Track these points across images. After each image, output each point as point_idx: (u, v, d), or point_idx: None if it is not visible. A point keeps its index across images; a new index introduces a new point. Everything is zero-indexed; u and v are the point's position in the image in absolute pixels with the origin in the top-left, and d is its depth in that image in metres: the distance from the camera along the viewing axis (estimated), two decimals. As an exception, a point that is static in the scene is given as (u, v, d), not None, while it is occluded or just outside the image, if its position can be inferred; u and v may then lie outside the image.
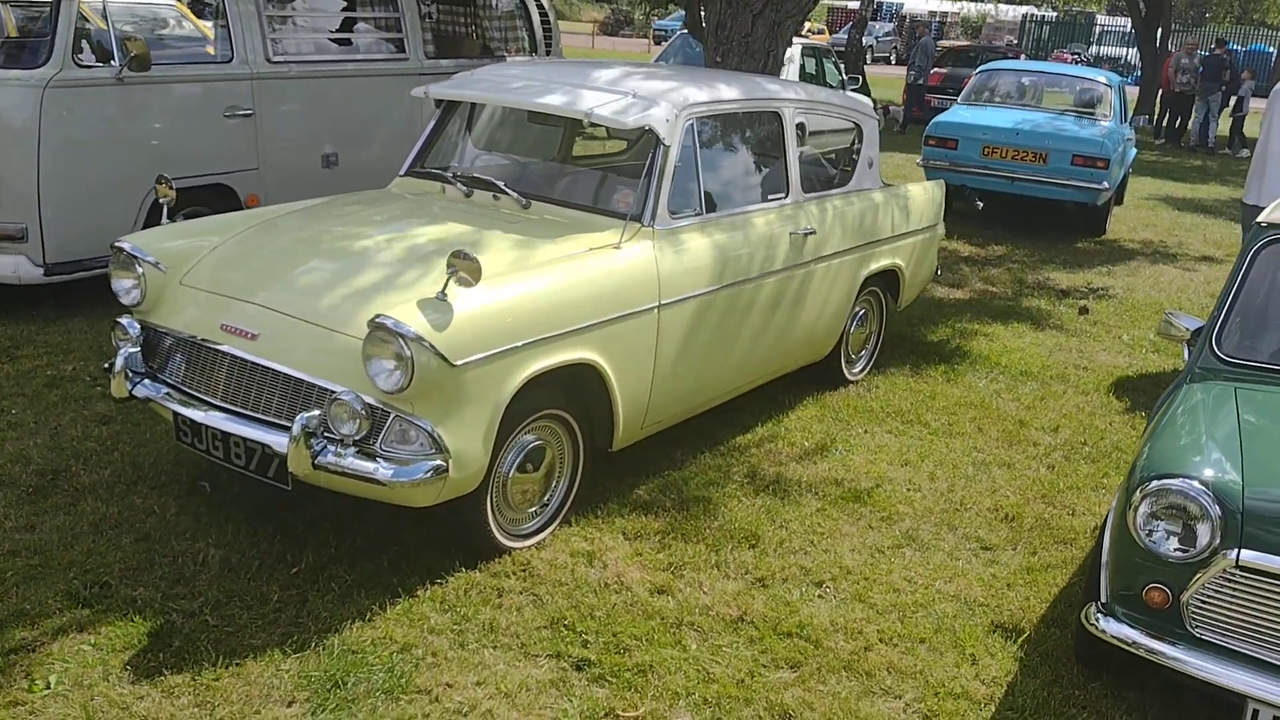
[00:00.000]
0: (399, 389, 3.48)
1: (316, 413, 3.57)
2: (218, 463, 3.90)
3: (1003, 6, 47.43)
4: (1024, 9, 44.72)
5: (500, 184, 4.71)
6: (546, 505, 4.22)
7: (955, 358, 6.80)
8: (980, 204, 11.07)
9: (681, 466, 4.91)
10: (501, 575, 3.90)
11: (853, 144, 6.07)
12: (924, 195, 6.43)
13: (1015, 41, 41.24)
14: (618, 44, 41.35)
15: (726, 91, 4.99)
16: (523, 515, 4.12)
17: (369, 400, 3.55)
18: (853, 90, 14.97)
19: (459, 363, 3.53)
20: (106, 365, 4.14)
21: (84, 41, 6.11)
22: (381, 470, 3.54)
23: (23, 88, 5.89)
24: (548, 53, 9.18)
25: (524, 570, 3.95)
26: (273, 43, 7.01)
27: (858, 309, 6.05)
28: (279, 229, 4.45)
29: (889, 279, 6.24)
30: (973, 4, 48.64)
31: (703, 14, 9.48)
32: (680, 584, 3.96)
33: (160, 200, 4.49)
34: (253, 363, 3.77)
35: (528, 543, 4.11)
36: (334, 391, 3.57)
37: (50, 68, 5.92)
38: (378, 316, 3.47)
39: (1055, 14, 43.16)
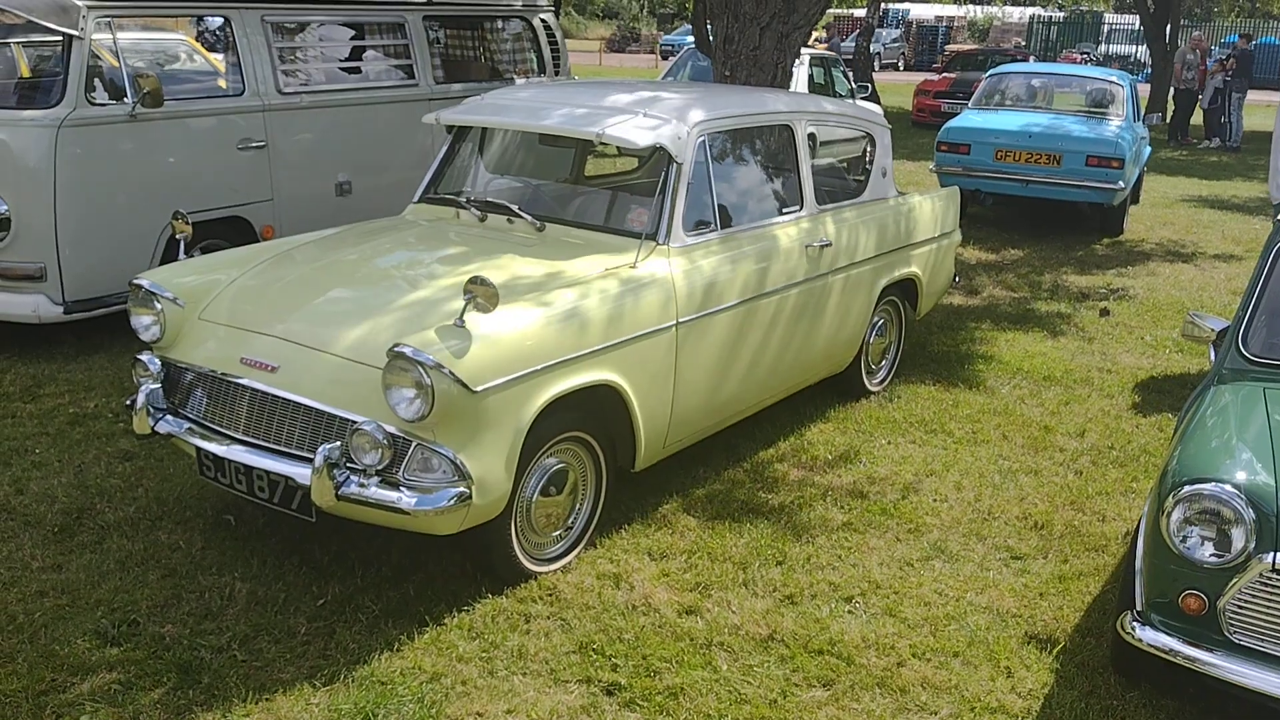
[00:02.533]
0: (420, 417, 3.47)
1: (338, 444, 3.57)
2: (242, 496, 3.90)
3: (1009, 9, 47.39)
4: (1031, 10, 44.66)
5: (514, 207, 4.71)
6: (570, 528, 4.20)
7: (977, 365, 6.75)
8: (990, 202, 11.03)
9: (705, 484, 4.88)
10: (528, 600, 3.88)
11: (865, 154, 6.05)
12: (939, 202, 6.40)
13: (1023, 43, 41.16)
14: (625, 60, 41.47)
15: (737, 107, 4.98)
16: (547, 539, 4.10)
17: (390, 429, 3.54)
18: (862, 99, 14.94)
19: (479, 389, 3.52)
20: (129, 402, 4.15)
21: (96, 80, 6.15)
22: (405, 499, 3.53)
23: (37, 128, 5.93)
24: (557, 73, 9.20)
25: (550, 595, 3.93)
26: (283, 74, 7.06)
27: (876, 319, 6.02)
28: (295, 260, 4.46)
29: (907, 288, 6.21)
30: (979, 7, 48.63)
31: (710, 29, 9.50)
32: (708, 604, 3.93)
33: (177, 236, 4.51)
34: (273, 395, 3.77)
35: (553, 567, 4.09)
36: (355, 422, 3.57)
37: (64, 107, 5.96)
38: (397, 345, 3.46)
39: (1063, 14, 43.08)
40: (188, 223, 4.49)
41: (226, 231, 6.82)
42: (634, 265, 4.30)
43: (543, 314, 3.83)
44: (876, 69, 37.28)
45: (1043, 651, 3.75)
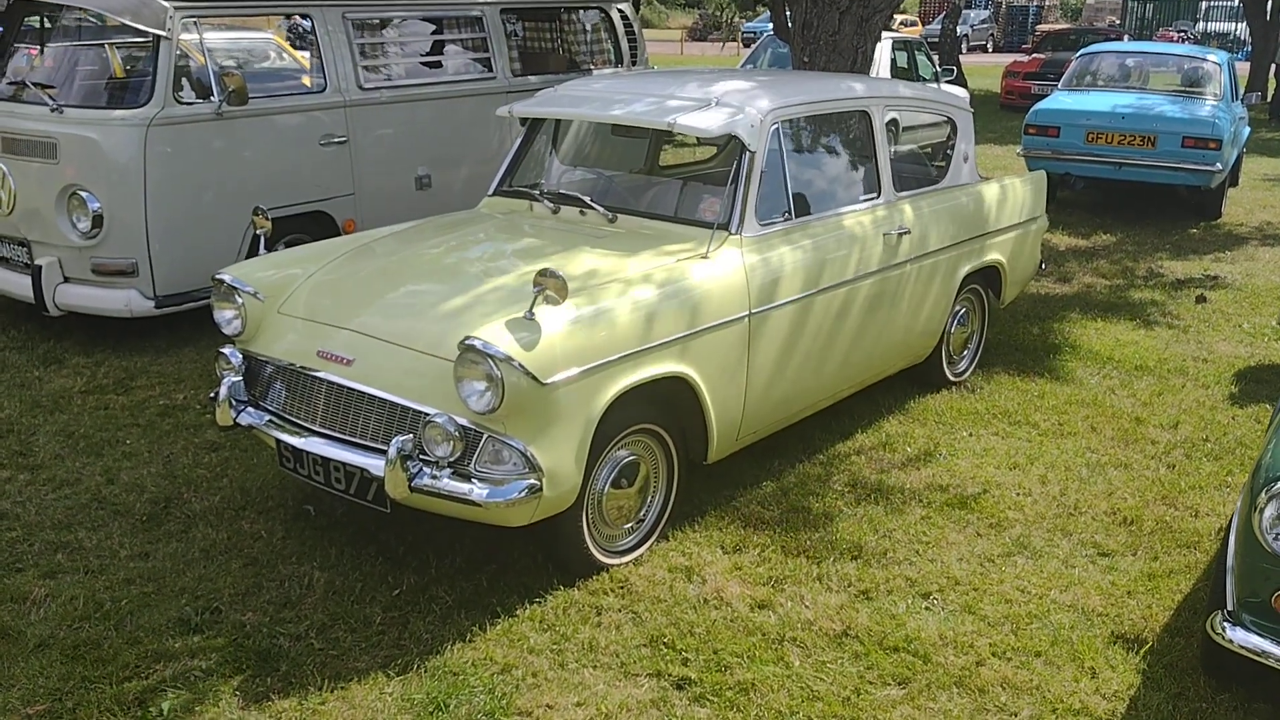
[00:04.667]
0: (490, 410, 3.48)
1: (411, 436, 3.60)
2: (320, 488, 3.96)
3: (1102, -14, 46.02)
4: (1126, -13, 43.33)
5: (586, 199, 4.70)
6: (643, 521, 4.18)
7: (1064, 354, 6.56)
8: (1080, 185, 10.70)
9: (780, 476, 4.82)
10: (600, 593, 3.88)
11: (947, 139, 5.91)
12: (1024, 187, 6.22)
13: (1118, 22, 39.94)
14: (706, 49, 41.28)
15: (812, 93, 4.90)
16: (619, 531, 4.08)
17: (462, 422, 3.56)
18: (947, 82, 14.64)
19: (548, 381, 3.52)
20: (212, 395, 4.24)
21: (184, 79, 6.30)
22: (476, 491, 3.55)
23: (127, 127, 6.10)
24: (634, 64, 9.17)
25: (622, 588, 3.92)
26: (364, 70, 7.15)
27: (958, 308, 5.89)
28: (371, 254, 4.51)
29: (990, 276, 6.06)
30: (1071, -14, 47.30)
31: (788, 15, 9.37)
32: (781, 598, 3.88)
33: (256, 231, 4.59)
34: (349, 388, 3.82)
35: (625, 559, 4.08)
36: (428, 414, 3.60)
37: (152, 106, 6.12)
38: (467, 338, 3.48)
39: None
40: (267, 218, 4.57)
41: (309, 226, 6.93)
42: (705, 256, 4.26)
43: (613, 306, 3.81)
44: (964, 51, 36.55)
45: (1129, 652, 3.63)
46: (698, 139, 4.94)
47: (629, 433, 3.97)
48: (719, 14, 53.51)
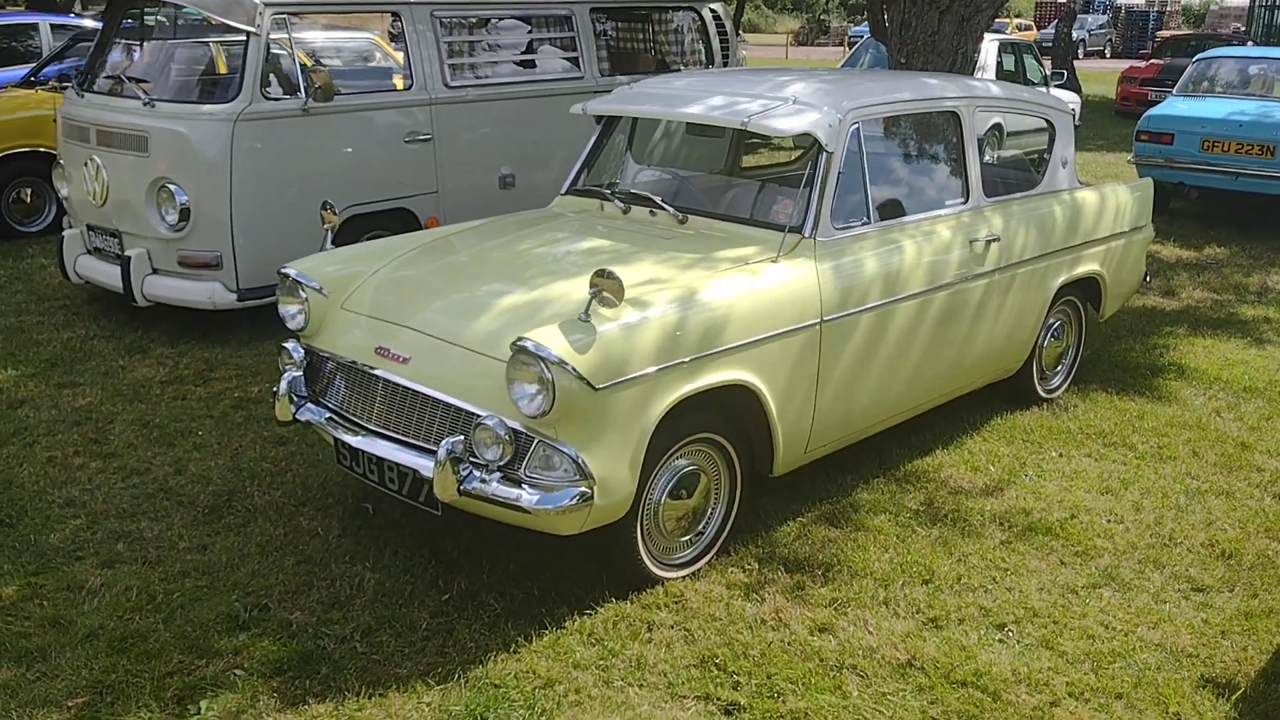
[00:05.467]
0: (541, 413, 3.37)
1: (461, 438, 3.51)
2: (375, 487, 3.91)
3: (1229, -9, 44.23)
4: (1254, -8, 41.47)
5: (657, 199, 4.56)
6: (702, 533, 4.02)
7: (1167, 373, 6.19)
8: (1194, 195, 10.20)
9: (851, 493, 4.62)
10: (653, 607, 3.73)
11: (1046, 143, 5.62)
12: (1128, 195, 5.89)
13: (1242, 28, 38.26)
14: (811, 53, 40.88)
15: (895, 92, 4.69)
16: (676, 543, 3.93)
17: (513, 425, 3.46)
18: (1057, 87, 14.13)
19: (601, 386, 3.39)
20: (275, 390, 4.22)
21: (272, 75, 6.35)
22: (526, 497, 3.44)
23: (214, 122, 6.17)
24: (725, 64, 9.01)
25: (676, 602, 3.77)
26: (450, 68, 7.13)
27: (1052, 320, 5.59)
28: (436, 251, 4.45)
29: (1088, 287, 5.74)
30: (1195, -10, 45.61)
31: (885, 15, 9.11)
32: (843, 622, 3.68)
33: (324, 226, 4.57)
34: (404, 386, 3.75)
35: (682, 572, 3.93)
36: (479, 416, 3.50)
37: (240, 102, 6.18)
38: (519, 340, 3.37)
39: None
40: (335, 213, 4.55)
41: (392, 223, 6.93)
42: (775, 259, 4.08)
43: (672, 310, 3.66)
44: (1080, 56, 35.43)
45: (1219, 697, 3.34)
46: (775, 139, 4.73)
47: (689, 441, 3.82)
48: (825, 17, 52.95)
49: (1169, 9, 45.87)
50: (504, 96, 7.50)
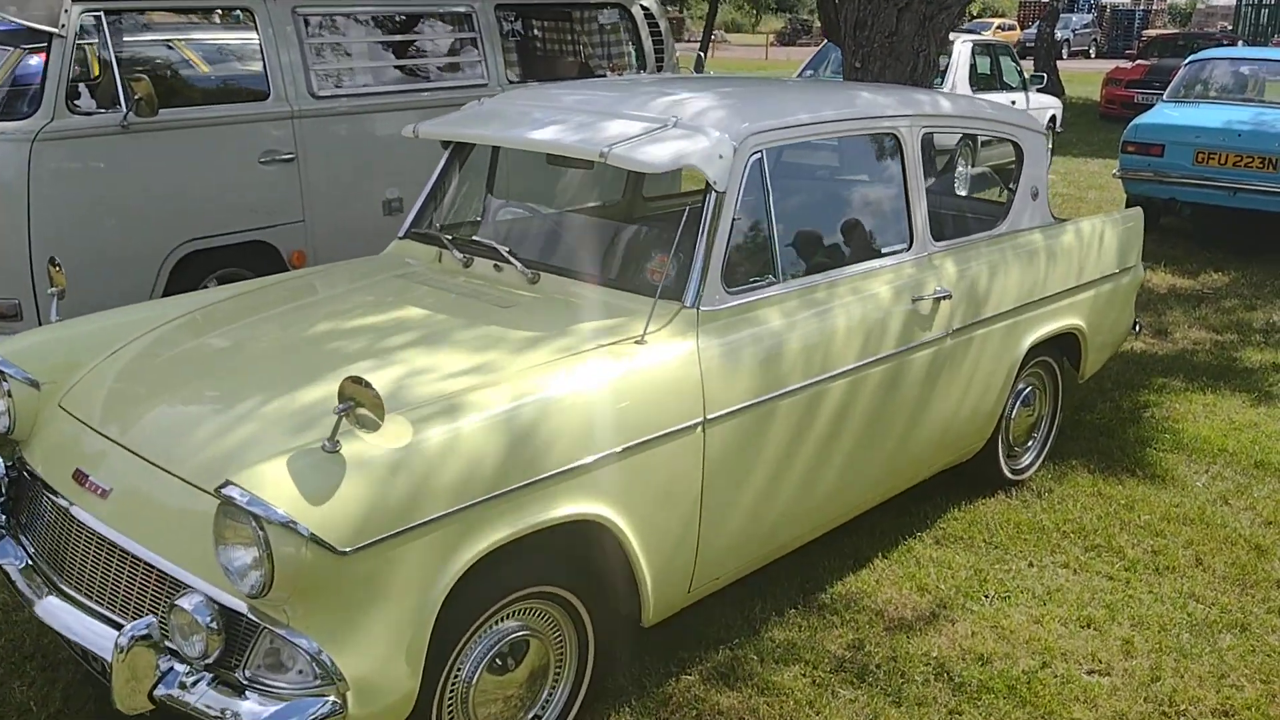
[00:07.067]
0: (259, 591, 2.30)
1: (153, 619, 2.43)
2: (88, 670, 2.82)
3: (1215, -11, 43.49)
4: (1240, -9, 40.68)
5: (503, 249, 3.49)
6: (542, 715, 2.95)
7: (1161, 442, 5.15)
8: (1187, 213, 9.22)
9: (760, 630, 3.55)
10: (453, 841, 2.66)
11: (1010, 168, 4.57)
12: (1113, 230, 4.84)
13: (1230, 27, 37.42)
14: (792, 53, 39.75)
15: (814, 109, 3.62)
16: (499, 735, 2.86)
17: (227, 602, 2.39)
18: (1037, 90, 13.13)
19: (352, 549, 2.32)
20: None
21: (81, 85, 5.25)
22: (247, 712, 2.36)
23: (7, 142, 5.07)
24: (659, 69, 7.94)
25: (488, 831, 2.70)
26: (318, 75, 6.05)
27: (1021, 386, 4.55)
28: (198, 325, 3.36)
29: (1066, 344, 4.70)
30: (1181, -11, 44.90)
31: (840, 13, 8.07)
32: None
33: (50, 290, 3.49)
34: (98, 532, 2.67)
35: (508, 775, 2.85)
36: (182, 588, 2.43)
37: (40, 117, 5.08)
38: (225, 485, 2.30)
39: (1276, -5, 38.97)
40: (62, 271, 3.47)
41: (249, 259, 5.87)
42: (641, 338, 3.01)
43: (480, 420, 2.59)
44: (1064, 56, 34.53)
45: None
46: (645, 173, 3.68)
47: (512, 601, 2.75)
48: (809, 18, 51.91)
49: (1155, 8, 44.98)
50: (387, 108, 6.40)
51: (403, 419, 2.49)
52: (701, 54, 9.57)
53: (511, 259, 3.44)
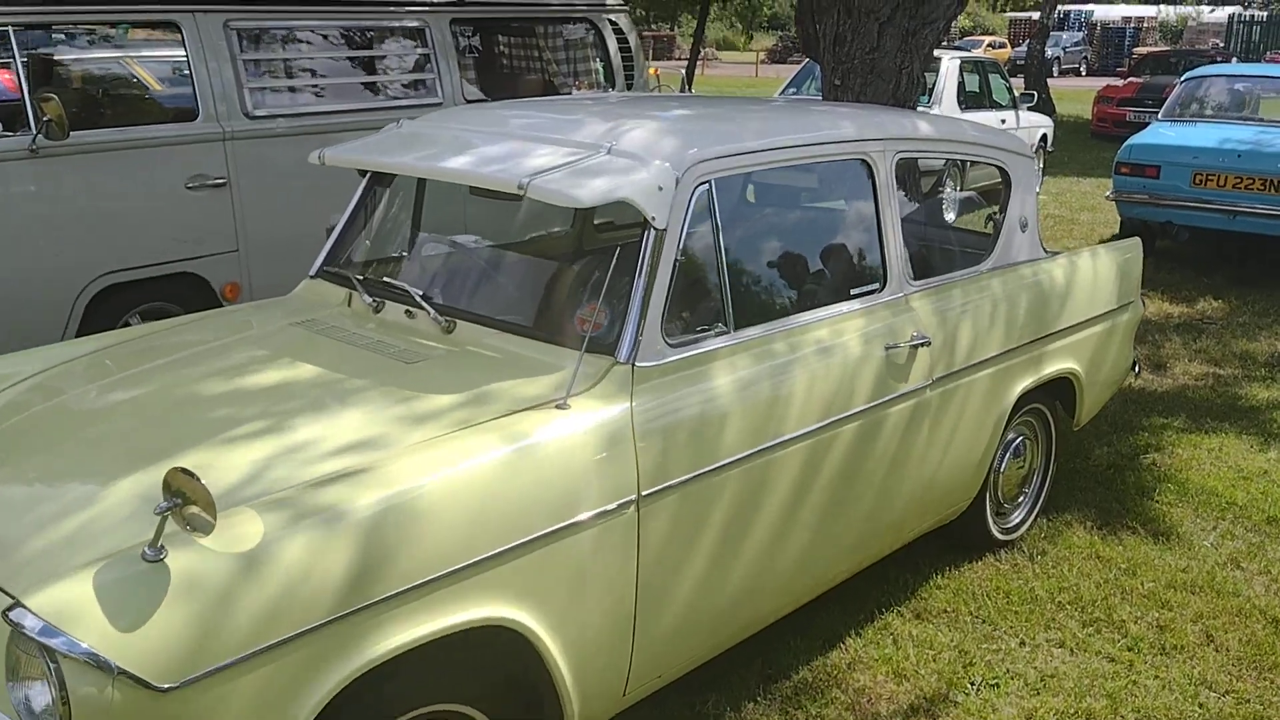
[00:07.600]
0: (58, 738, 1.84)
1: (-67, 767, 1.97)
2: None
3: (1204, 8, 43.36)
4: (1230, 9, 40.56)
5: (416, 294, 3.04)
6: None
7: (1164, 494, 4.70)
8: (1185, 237, 8.81)
9: (710, 730, 3.10)
10: None
11: (999, 199, 4.14)
12: (1110, 263, 4.42)
13: (1222, 44, 37.23)
14: (782, 71, 39.44)
15: (775, 133, 3.18)
16: None
17: (23, 747, 1.93)
18: (1027, 109, 12.74)
19: (172, 686, 1.87)
20: None
21: (-18, 105, 4.83)
22: None
23: (-106, 170, 4.64)
24: (628, 86, 7.52)
25: None
26: (253, 93, 5.61)
27: (1011, 437, 4.11)
28: (58, 385, 2.90)
29: (1059, 389, 4.26)
30: (1172, 7, 44.76)
31: (819, 28, 7.66)
32: None
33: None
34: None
35: None
36: (-29, 727, 1.97)
37: (-69, 141, 4.65)
38: (14, 605, 1.85)
39: (1266, 13, 38.85)
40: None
41: (177, 292, 5.43)
42: (563, 402, 2.57)
43: (343, 516, 2.13)
44: (1055, 74, 34.30)
45: None
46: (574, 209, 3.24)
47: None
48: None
49: (1145, 25, 44.77)
50: (331, 129, 5.92)
51: (252, 514, 2.04)
52: (683, 72, 9.18)
53: (424, 304, 2.99)
